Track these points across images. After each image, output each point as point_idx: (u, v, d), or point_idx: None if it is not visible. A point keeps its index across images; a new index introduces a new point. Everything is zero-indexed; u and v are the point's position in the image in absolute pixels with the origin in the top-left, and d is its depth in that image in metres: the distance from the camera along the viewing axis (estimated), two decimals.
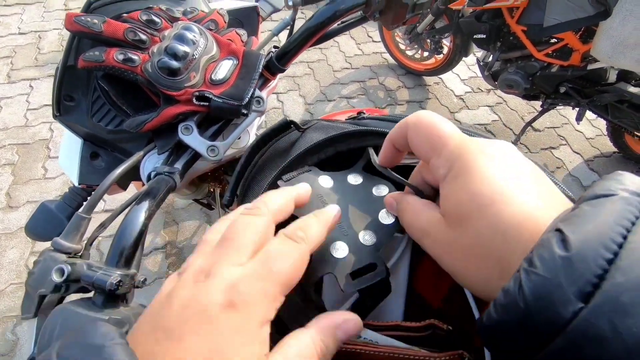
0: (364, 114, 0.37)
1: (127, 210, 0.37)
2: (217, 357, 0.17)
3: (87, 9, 0.42)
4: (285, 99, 2.03)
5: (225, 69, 0.43)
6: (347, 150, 0.34)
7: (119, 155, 0.50)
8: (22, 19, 2.29)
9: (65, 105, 0.46)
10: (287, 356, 0.19)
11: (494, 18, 1.60)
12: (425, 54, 2.07)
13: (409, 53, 2.15)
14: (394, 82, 2.19)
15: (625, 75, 1.54)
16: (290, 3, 0.40)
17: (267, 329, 0.19)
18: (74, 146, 0.50)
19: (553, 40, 1.54)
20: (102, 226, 0.38)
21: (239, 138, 0.48)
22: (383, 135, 0.32)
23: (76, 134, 0.48)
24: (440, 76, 2.20)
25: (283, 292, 0.20)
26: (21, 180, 1.58)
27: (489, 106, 2.11)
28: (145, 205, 0.36)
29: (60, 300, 0.34)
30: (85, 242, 0.36)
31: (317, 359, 0.20)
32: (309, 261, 0.22)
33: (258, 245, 0.21)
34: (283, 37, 0.50)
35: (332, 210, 0.26)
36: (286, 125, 0.37)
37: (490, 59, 1.75)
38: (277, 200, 0.24)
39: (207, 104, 0.41)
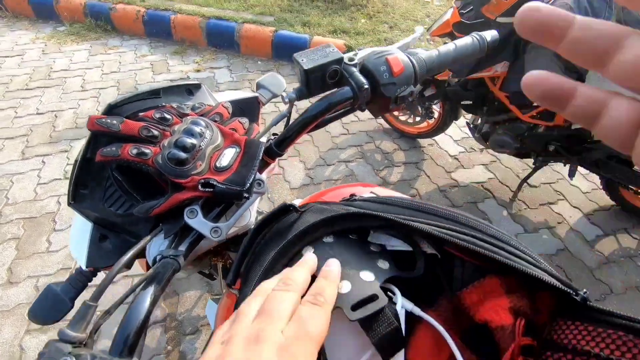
0: (355, 196, 0.40)
1: (132, 295, 0.39)
2: None
3: (109, 112, 0.48)
4: (286, 165, 2.11)
5: (228, 156, 0.47)
6: (341, 230, 0.36)
7: (126, 237, 0.53)
8: (41, 101, 2.47)
9: (80, 193, 0.49)
10: None
11: (478, 86, 1.72)
12: (418, 118, 2.19)
13: (402, 118, 2.28)
14: (389, 145, 2.29)
15: None
16: (287, 100, 0.45)
17: None
18: (84, 231, 0.53)
19: (535, 104, 1.64)
20: (108, 313, 0.39)
21: (241, 217, 0.51)
22: (375, 217, 0.36)
23: (87, 218, 0.51)
24: (434, 138, 2.30)
25: (318, 349, 0.24)
26: (24, 254, 1.59)
27: (483, 164, 2.18)
28: (150, 290, 0.37)
29: None
30: (90, 330, 0.37)
31: None
32: None
33: (292, 314, 0.26)
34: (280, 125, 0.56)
35: (335, 267, 0.31)
36: (285, 209, 0.40)
37: (479, 122, 1.85)
38: (302, 276, 0.29)
39: (212, 189, 0.44)
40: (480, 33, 0.50)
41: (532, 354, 0.29)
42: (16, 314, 1.39)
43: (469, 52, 0.49)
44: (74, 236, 0.54)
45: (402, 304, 0.32)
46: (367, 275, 0.32)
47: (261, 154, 0.46)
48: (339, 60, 0.45)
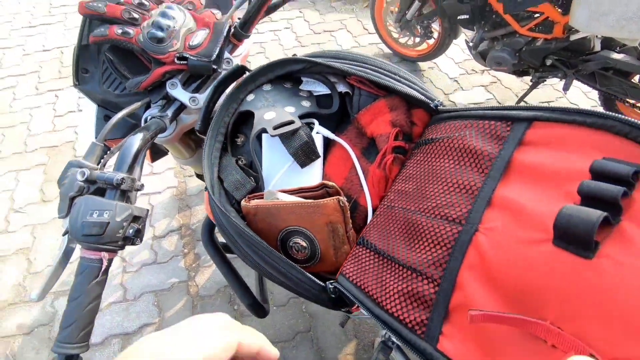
0: (296, 54, 0.49)
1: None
2: None
3: None
4: None
5: (200, 37, 0.55)
6: (276, 77, 0.46)
7: (126, 117, 0.63)
8: (46, 37, 2.52)
9: (82, 76, 0.59)
10: None
11: None
12: (417, 40, 2.16)
13: (402, 41, 2.24)
14: None
15: (608, 43, 1.58)
16: None
17: None
18: (90, 111, 0.63)
19: (535, 15, 1.60)
20: (111, 152, 0.50)
21: None
22: (298, 61, 0.45)
23: (92, 100, 0.62)
24: (434, 61, 2.28)
25: None
26: (53, 178, 1.77)
27: (483, 86, 2.18)
28: (140, 134, 0.48)
29: None
30: (100, 164, 0.49)
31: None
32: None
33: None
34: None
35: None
36: (239, 70, 0.49)
37: (477, 38, 1.82)
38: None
39: (186, 62, 0.53)
40: None
41: (403, 154, 0.39)
42: (53, 226, 1.59)
43: None
44: (88, 118, 0.65)
45: (318, 130, 0.42)
46: (289, 109, 0.42)
47: (225, 31, 0.54)
48: None
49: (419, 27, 2.05)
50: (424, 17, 1.94)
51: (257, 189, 0.41)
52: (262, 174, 0.42)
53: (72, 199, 0.46)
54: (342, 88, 0.44)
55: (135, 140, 0.47)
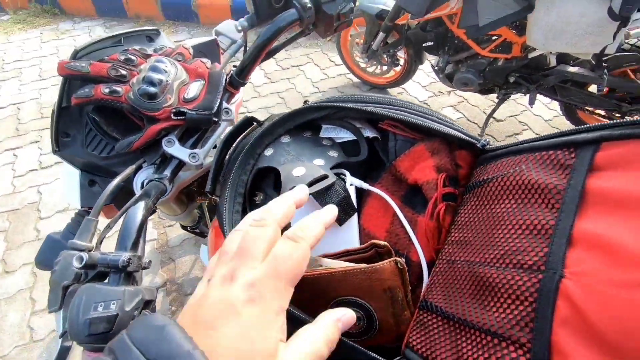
0: (308, 101, 0.46)
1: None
2: (243, 341, 0.21)
3: (75, 57, 0.51)
4: None
5: (194, 89, 0.52)
6: (294, 127, 0.42)
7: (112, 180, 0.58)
8: (0, 94, 2.39)
9: (62, 141, 0.53)
10: (299, 345, 0.24)
11: (437, 26, 1.77)
12: (385, 68, 2.22)
13: (370, 70, 2.31)
14: None
15: (563, 58, 1.70)
16: (240, 28, 0.49)
17: (282, 318, 0.24)
18: (74, 179, 0.57)
19: (494, 37, 1.70)
20: (108, 227, 0.44)
21: (215, 147, 0.56)
22: (320, 109, 0.42)
23: (74, 165, 0.55)
24: (403, 86, 2.35)
25: (292, 285, 0.25)
26: (14, 245, 1.61)
27: (452, 106, 2.26)
28: (142, 203, 0.43)
29: None
30: (96, 242, 0.42)
31: (325, 345, 0.24)
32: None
33: (267, 251, 0.25)
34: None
35: (329, 211, 0.31)
36: (248, 122, 0.45)
37: (442, 63, 1.90)
38: (280, 209, 0.28)
39: (184, 117, 0.49)
40: None
41: (454, 200, 0.36)
42: (19, 299, 1.43)
43: None
44: (66, 185, 0.58)
45: (351, 182, 0.39)
46: (318, 162, 0.39)
47: (224, 81, 0.51)
48: None
49: (385, 56, 2.12)
50: (390, 46, 2.01)
51: None
52: None
53: (66, 287, 0.39)
54: (368, 133, 0.41)
55: (138, 212, 0.41)
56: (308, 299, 0.32)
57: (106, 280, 0.39)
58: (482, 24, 1.48)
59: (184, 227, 1.15)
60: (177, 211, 0.75)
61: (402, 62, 2.14)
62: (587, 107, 1.81)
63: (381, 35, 1.96)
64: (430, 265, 0.33)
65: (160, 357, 0.19)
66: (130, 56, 0.51)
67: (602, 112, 1.86)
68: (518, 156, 0.33)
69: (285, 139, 0.41)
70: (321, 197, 0.35)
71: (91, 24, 3.04)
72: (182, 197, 0.71)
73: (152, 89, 0.48)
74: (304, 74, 2.51)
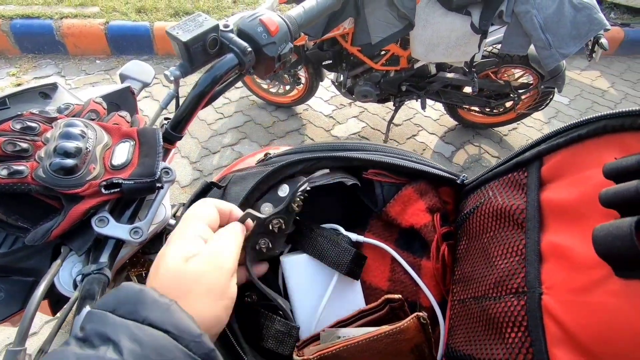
0: (270, 154, 0.43)
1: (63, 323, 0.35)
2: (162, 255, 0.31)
3: None
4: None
5: (123, 152, 0.43)
6: (267, 188, 0.39)
7: (19, 278, 0.45)
8: None
9: None
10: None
11: (333, 45, 1.86)
12: (287, 87, 2.26)
13: (273, 90, 2.32)
14: (268, 119, 2.32)
15: (441, 66, 1.95)
16: (172, 78, 0.43)
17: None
18: None
19: (383, 52, 1.87)
20: (42, 351, 0.34)
21: (156, 214, 0.48)
22: (290, 165, 0.39)
23: None
24: (307, 103, 2.41)
25: (208, 224, 0.34)
26: None
27: (355, 117, 2.40)
28: (87, 308, 0.34)
29: None
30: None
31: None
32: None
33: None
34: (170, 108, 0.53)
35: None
36: (207, 188, 0.40)
37: (342, 78, 2.01)
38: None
39: (118, 189, 0.41)
40: None
41: (452, 238, 0.37)
42: None
43: (328, 5, 0.54)
44: None
45: (348, 236, 0.37)
46: (267, 210, 0.37)
47: (161, 139, 0.44)
48: (215, 28, 0.44)
49: (286, 76, 2.15)
50: (290, 67, 2.05)
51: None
52: (296, 311, 0.33)
53: None
54: (349, 180, 0.39)
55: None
56: None
57: None
58: (374, 42, 1.61)
59: None
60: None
61: (303, 80, 2.20)
62: (464, 106, 2.12)
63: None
64: (441, 307, 0.33)
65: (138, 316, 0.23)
66: (28, 123, 0.40)
67: (476, 109, 2.20)
68: (489, 184, 0.35)
69: (266, 206, 0.37)
70: (334, 264, 0.32)
71: None
72: (118, 277, 0.60)
73: (69, 162, 0.39)
74: None
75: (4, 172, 0.37)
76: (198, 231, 0.32)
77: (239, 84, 2.37)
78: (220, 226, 0.36)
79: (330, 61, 1.93)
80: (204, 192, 0.39)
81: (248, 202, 0.37)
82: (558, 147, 0.30)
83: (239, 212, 0.36)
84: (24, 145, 0.39)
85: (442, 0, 1.56)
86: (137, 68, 0.64)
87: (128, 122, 0.50)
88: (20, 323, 0.33)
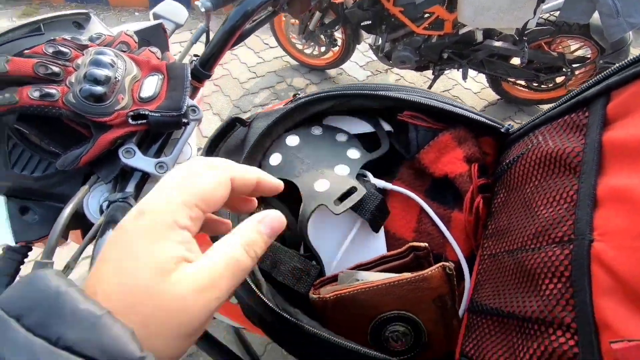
0: (299, 94, 0.41)
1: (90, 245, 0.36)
2: (126, 257, 0.18)
3: None
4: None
5: (151, 85, 0.43)
6: (293, 124, 0.37)
7: (52, 203, 0.47)
8: None
9: None
10: (212, 253, 0.20)
11: (374, 5, 1.76)
12: (323, 49, 2.18)
13: (308, 51, 2.25)
14: (301, 81, 2.27)
15: (489, 33, 1.81)
16: (203, 9, 0.42)
17: (181, 233, 0.19)
18: None
19: (426, 15, 1.75)
20: (68, 267, 0.35)
21: (182, 152, 0.48)
22: (324, 99, 0.37)
23: None
24: (341, 67, 2.34)
25: (195, 203, 0.20)
26: None
27: None
28: (109, 231, 0.34)
29: None
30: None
31: (242, 250, 0.20)
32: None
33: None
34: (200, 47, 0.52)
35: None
36: (232, 124, 0.39)
37: (380, 42, 1.92)
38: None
39: (145, 121, 0.40)
40: None
41: (488, 191, 0.34)
42: None
43: None
44: None
45: (375, 183, 0.35)
46: (341, 169, 0.34)
47: (189, 74, 0.43)
48: None
49: (322, 36, 2.07)
50: (327, 26, 1.97)
51: (321, 271, 0.32)
52: (319, 254, 0.32)
53: None
54: (386, 126, 0.37)
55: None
56: (346, 320, 0.29)
57: None
58: (419, 1, 1.51)
59: None
60: None
61: (339, 42, 2.12)
62: (510, 79, 1.97)
63: (317, 15, 1.91)
64: (468, 262, 0.31)
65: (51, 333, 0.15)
66: (60, 48, 0.40)
67: (523, 83, 2.05)
68: (537, 130, 0.32)
69: (293, 140, 0.35)
70: (358, 209, 0.31)
71: None
72: None
73: (98, 89, 0.39)
74: (238, 58, 2.37)
75: (36, 94, 0.37)
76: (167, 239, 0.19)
77: (274, 42, 2.32)
78: (234, 205, 0.25)
79: (370, 22, 1.83)
80: (229, 127, 0.38)
81: (269, 134, 0.36)
82: (630, 78, 0.27)
83: (271, 182, 0.24)
84: (56, 69, 0.39)
85: None
86: (171, 8, 0.62)
87: (158, 58, 0.49)
88: (48, 240, 0.34)
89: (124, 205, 0.39)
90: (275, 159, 0.36)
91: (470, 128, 0.36)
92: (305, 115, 0.37)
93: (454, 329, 0.29)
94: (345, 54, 2.15)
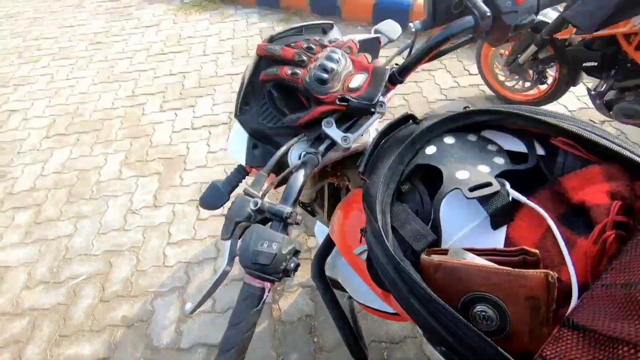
0: (469, 106, 0.47)
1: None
2: None
3: (270, 40, 0.62)
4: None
5: (359, 80, 0.57)
6: (456, 128, 0.44)
7: (270, 148, 0.68)
8: (173, 63, 2.91)
9: (243, 109, 0.65)
10: None
11: (607, 45, 1.54)
12: (527, 84, 2.03)
13: (509, 84, 2.14)
14: None
15: None
16: (414, 29, 0.53)
17: None
18: (241, 140, 0.69)
19: None
20: (272, 185, 0.53)
21: (362, 135, 0.61)
22: (488, 112, 0.42)
23: (245, 129, 0.67)
24: (544, 107, 2.12)
25: None
26: (164, 186, 1.97)
27: None
28: (302, 170, 0.50)
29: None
30: (263, 192, 0.51)
31: None
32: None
33: None
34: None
35: None
36: (406, 118, 0.49)
37: (604, 87, 1.65)
38: None
39: (346, 104, 0.55)
40: None
41: (626, 231, 0.33)
42: (160, 230, 1.76)
43: None
44: (233, 143, 0.71)
45: (511, 193, 0.39)
46: (483, 168, 0.40)
47: (387, 77, 0.55)
48: None
49: (531, 71, 1.93)
50: (540, 61, 1.83)
51: (436, 244, 0.40)
52: (441, 229, 0.40)
53: (237, 223, 0.49)
54: (539, 149, 0.41)
55: (300, 177, 0.49)
56: (444, 288, 0.35)
57: (268, 226, 0.47)
58: None
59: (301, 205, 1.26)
60: (307, 186, 0.83)
61: (550, 80, 1.93)
62: None
63: (532, 48, 1.79)
64: (582, 291, 0.32)
65: None
66: (311, 45, 0.59)
67: None
68: None
69: (449, 139, 0.43)
70: (485, 202, 0.36)
71: (250, 11, 3.47)
72: (315, 174, 0.80)
73: (324, 75, 0.55)
74: (434, 79, 2.45)
75: (289, 72, 0.57)
76: None
77: (474, 70, 2.30)
78: None
79: (596, 64, 1.60)
80: (402, 121, 0.48)
81: (431, 131, 0.44)
82: None
83: None
84: (304, 58, 0.58)
85: None
86: (389, 26, 0.78)
87: (369, 62, 0.64)
88: (271, 160, 0.52)
89: (314, 157, 0.55)
90: (430, 149, 0.44)
91: (627, 168, 0.34)
92: (467, 122, 0.43)
93: (541, 334, 0.31)
94: (553, 94, 1.94)
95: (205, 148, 2.17)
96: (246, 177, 0.73)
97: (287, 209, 0.44)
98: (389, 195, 0.42)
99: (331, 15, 3.18)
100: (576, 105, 2.15)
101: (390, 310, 0.61)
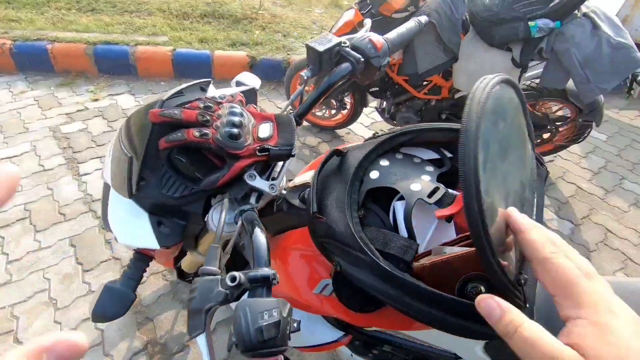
0: (378, 133, 0.57)
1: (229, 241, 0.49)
2: None
3: (162, 105, 0.55)
4: None
5: (266, 129, 0.59)
6: (382, 152, 0.52)
7: (175, 220, 0.60)
8: None
9: (139, 185, 0.55)
10: None
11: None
12: (333, 112, 2.45)
13: (319, 114, 2.51)
14: (313, 140, 2.50)
15: None
16: (305, 77, 0.59)
17: None
18: (139, 222, 0.58)
19: (425, 83, 2.03)
20: (227, 253, 0.48)
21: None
22: (408, 132, 0.53)
23: (143, 207, 0.57)
24: (349, 127, 2.59)
25: None
26: None
27: None
28: (258, 229, 0.48)
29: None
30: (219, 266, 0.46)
31: None
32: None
33: None
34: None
35: None
36: (331, 155, 0.55)
37: (385, 105, 2.19)
38: None
39: (267, 153, 0.56)
40: (418, 17, 0.72)
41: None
42: None
43: (413, 32, 0.70)
44: (128, 229, 0.59)
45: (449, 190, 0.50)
46: (425, 177, 0.49)
47: (294, 122, 0.59)
48: (339, 43, 0.61)
49: (333, 101, 2.34)
50: (339, 92, 2.24)
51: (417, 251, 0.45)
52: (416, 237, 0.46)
53: (208, 310, 0.42)
54: (447, 154, 0.53)
55: (259, 235, 0.46)
56: (440, 282, 0.41)
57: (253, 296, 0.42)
58: (421, 71, 1.78)
59: (180, 276, 1.11)
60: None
61: (348, 105, 2.39)
62: None
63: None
64: None
65: None
66: (208, 104, 0.57)
67: None
68: None
69: (384, 162, 0.51)
70: (440, 203, 0.45)
71: (10, 79, 2.80)
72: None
73: (235, 130, 0.55)
74: None
75: (197, 133, 0.53)
76: None
77: (283, 105, 2.59)
78: None
79: (377, 88, 2.11)
80: (330, 156, 0.53)
81: (368, 158, 0.51)
82: None
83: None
84: (208, 117, 0.55)
85: (485, 37, 1.72)
86: (248, 78, 0.82)
87: (258, 112, 0.66)
88: (216, 231, 0.47)
89: (252, 213, 0.53)
90: (374, 174, 0.50)
91: None
92: (393, 144, 0.52)
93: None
94: (353, 116, 2.41)
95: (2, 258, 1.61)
96: (149, 263, 0.62)
97: (269, 271, 0.42)
98: (357, 224, 0.45)
99: (126, 74, 2.94)
100: (368, 121, 2.72)
101: (329, 340, 0.65)
